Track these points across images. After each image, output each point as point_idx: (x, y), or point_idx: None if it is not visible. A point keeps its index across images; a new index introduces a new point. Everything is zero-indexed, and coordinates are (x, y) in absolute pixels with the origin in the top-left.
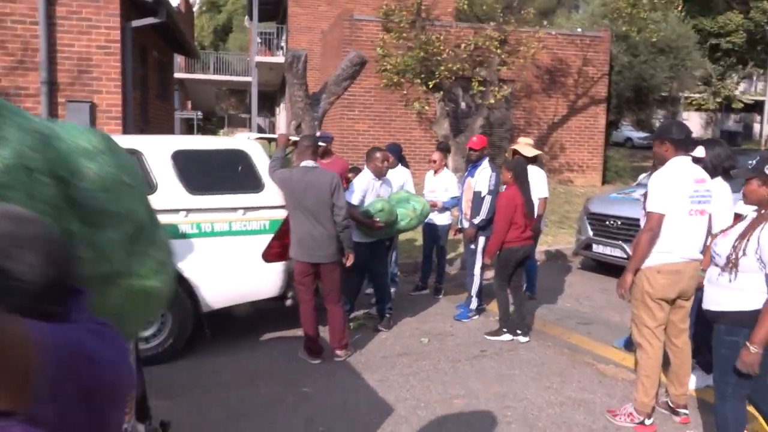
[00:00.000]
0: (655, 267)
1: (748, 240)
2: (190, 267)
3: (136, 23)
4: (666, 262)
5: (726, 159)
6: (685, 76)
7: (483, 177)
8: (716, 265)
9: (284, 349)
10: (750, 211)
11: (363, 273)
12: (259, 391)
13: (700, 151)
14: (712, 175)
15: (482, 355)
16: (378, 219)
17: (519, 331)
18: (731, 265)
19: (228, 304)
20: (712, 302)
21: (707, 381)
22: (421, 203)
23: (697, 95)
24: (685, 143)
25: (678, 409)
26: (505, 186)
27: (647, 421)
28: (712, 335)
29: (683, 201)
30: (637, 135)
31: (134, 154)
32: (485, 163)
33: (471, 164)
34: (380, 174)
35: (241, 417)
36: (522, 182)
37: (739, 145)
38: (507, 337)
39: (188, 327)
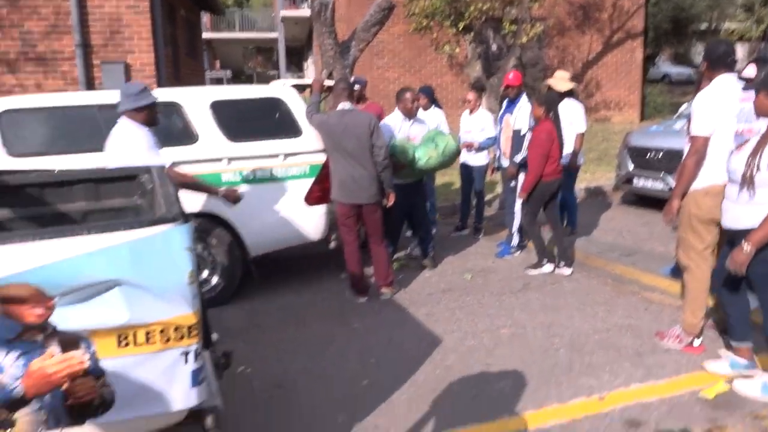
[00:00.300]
0: (703, 189)
1: (760, 155)
2: (236, 214)
3: None
4: (713, 183)
5: None
6: (726, 4)
7: (522, 114)
8: (733, 183)
9: (332, 290)
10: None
11: (403, 214)
12: (310, 330)
13: (750, 70)
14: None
15: (526, 288)
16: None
17: (562, 262)
18: (747, 181)
19: (273, 249)
20: (734, 220)
21: (753, 303)
22: (444, 141)
23: (737, 24)
24: (724, 60)
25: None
26: (536, 121)
27: (695, 342)
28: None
29: (728, 121)
30: (675, 70)
31: (173, 106)
32: (523, 100)
33: (508, 102)
34: (410, 114)
35: (297, 350)
36: (555, 116)
37: None
38: (548, 267)
39: (237, 271)
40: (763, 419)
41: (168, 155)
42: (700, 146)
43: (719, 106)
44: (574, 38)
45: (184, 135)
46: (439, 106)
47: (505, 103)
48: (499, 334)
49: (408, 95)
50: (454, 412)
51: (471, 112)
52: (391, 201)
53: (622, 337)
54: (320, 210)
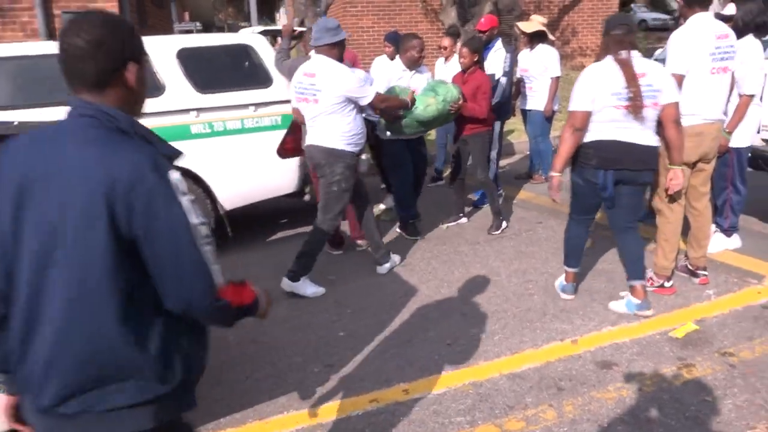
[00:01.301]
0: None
1: None
2: (206, 167)
3: None
4: (688, 124)
5: (758, 14)
6: None
7: (497, 59)
8: None
9: None
10: None
11: (408, 174)
12: None
13: (730, 8)
14: (743, 32)
15: (501, 236)
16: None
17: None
18: None
19: (246, 203)
20: None
21: (725, 244)
22: (445, 89)
23: None
24: None
25: (697, 271)
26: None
27: (667, 284)
28: None
29: (704, 59)
30: (651, 16)
31: None
32: (498, 44)
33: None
34: (415, 64)
35: (275, 303)
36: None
37: None
38: (504, 223)
39: (210, 227)
40: (729, 356)
41: None
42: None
43: (694, 45)
44: None
45: (150, 86)
46: None
47: None
48: (474, 281)
49: (415, 43)
50: (430, 359)
51: (446, 59)
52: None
53: (596, 282)
54: (293, 162)
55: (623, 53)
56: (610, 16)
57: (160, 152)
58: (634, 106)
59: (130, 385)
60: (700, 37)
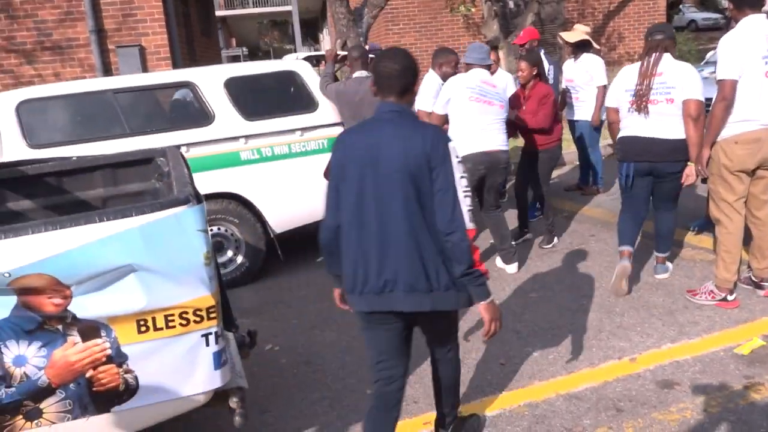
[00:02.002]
0: (732, 138)
1: None
2: (256, 192)
3: None
4: (744, 131)
5: None
6: None
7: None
8: None
9: None
10: None
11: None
12: (335, 304)
13: None
14: None
15: (552, 251)
16: None
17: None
18: None
19: (295, 225)
20: None
21: None
22: None
23: None
24: (748, 0)
25: (762, 283)
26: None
27: (729, 297)
28: None
29: (757, 62)
30: (701, 16)
31: (187, 86)
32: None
33: None
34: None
35: (323, 325)
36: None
37: None
38: (556, 239)
39: (261, 250)
40: None
41: (183, 137)
42: (727, 91)
43: (746, 48)
44: None
45: (200, 115)
46: None
47: None
48: (527, 298)
49: (451, 58)
50: (483, 380)
51: (491, 73)
52: None
53: (653, 296)
54: None
55: (652, 56)
56: (651, 25)
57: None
58: (639, 101)
59: (432, 276)
60: (751, 40)
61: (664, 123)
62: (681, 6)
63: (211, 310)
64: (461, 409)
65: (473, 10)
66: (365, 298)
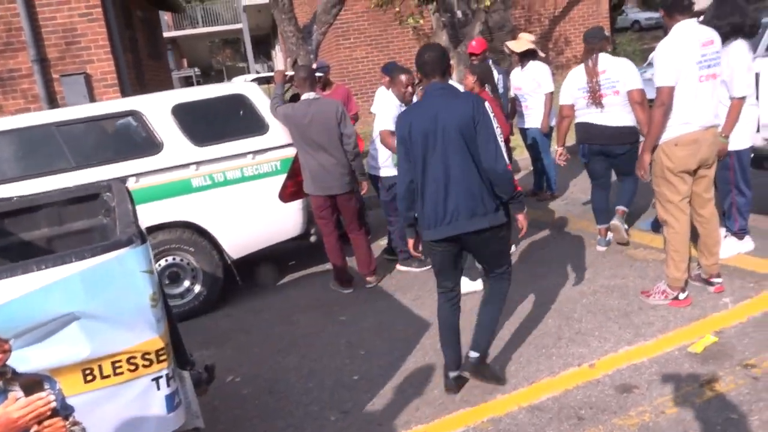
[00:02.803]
0: (672, 140)
1: None
2: (210, 219)
3: None
4: (682, 133)
5: (739, 16)
6: None
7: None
8: None
9: (317, 285)
10: None
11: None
12: (298, 328)
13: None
14: (729, 36)
15: (512, 259)
16: None
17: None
18: None
19: (253, 250)
20: None
21: (738, 248)
22: None
23: None
24: (679, 6)
25: (711, 279)
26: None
27: (681, 296)
28: None
29: (691, 68)
30: (644, 16)
31: (134, 114)
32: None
33: None
34: (404, 100)
35: (286, 350)
36: (491, 86)
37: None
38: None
39: (219, 278)
40: (752, 367)
41: (131, 167)
42: (665, 97)
43: (680, 55)
44: None
45: (148, 144)
46: None
47: None
48: None
49: (403, 78)
50: (447, 398)
51: None
52: (364, 189)
53: (609, 299)
54: (296, 205)
55: (593, 57)
56: (586, 31)
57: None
58: (593, 96)
59: (486, 203)
60: (685, 46)
61: (612, 112)
62: (624, 7)
63: (160, 353)
64: (426, 428)
65: (422, 21)
66: (438, 230)
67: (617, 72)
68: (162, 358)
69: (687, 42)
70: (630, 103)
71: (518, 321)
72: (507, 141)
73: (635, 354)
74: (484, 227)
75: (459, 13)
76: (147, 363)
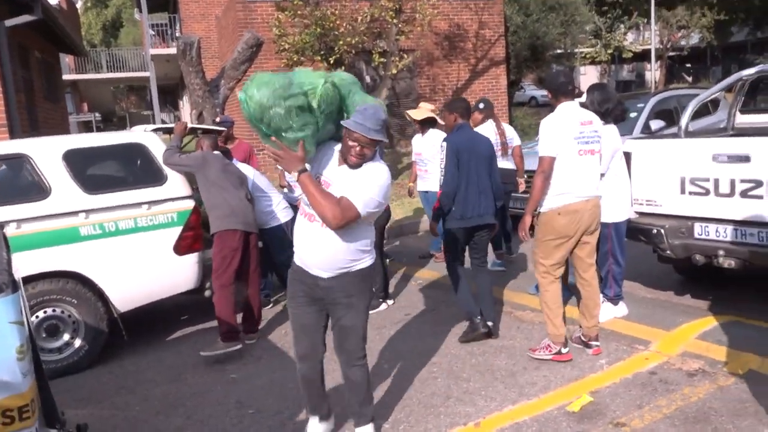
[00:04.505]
0: (556, 209)
1: None
2: (97, 269)
3: (9, 22)
4: (565, 203)
5: (602, 102)
6: (576, 31)
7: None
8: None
9: (208, 340)
10: None
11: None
12: (185, 385)
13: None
14: (603, 118)
15: (406, 318)
16: None
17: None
18: None
19: (142, 303)
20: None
21: (613, 312)
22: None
23: (589, 49)
24: (563, 89)
25: (590, 342)
26: None
27: (563, 350)
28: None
29: (570, 143)
30: (540, 93)
31: (21, 158)
32: None
33: None
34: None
35: (170, 410)
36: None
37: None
38: (384, 305)
39: (103, 331)
40: (622, 426)
41: (14, 212)
42: (545, 166)
43: (561, 131)
44: (443, 67)
45: (35, 189)
46: None
47: None
48: (380, 368)
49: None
50: None
51: None
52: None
53: (497, 359)
54: (192, 258)
55: (492, 121)
56: (478, 99)
57: None
58: (503, 149)
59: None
60: (565, 123)
61: (506, 159)
62: (521, 84)
63: (24, 410)
64: None
65: None
66: (467, 220)
67: (510, 132)
68: (25, 415)
69: (568, 120)
70: (513, 156)
71: (409, 380)
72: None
73: (518, 413)
74: (493, 222)
75: (368, 78)
76: (8, 420)
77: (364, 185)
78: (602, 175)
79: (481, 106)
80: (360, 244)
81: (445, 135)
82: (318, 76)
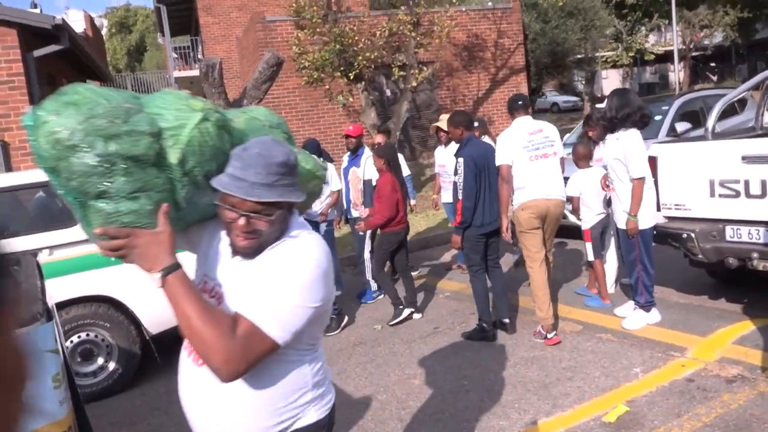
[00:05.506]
0: (520, 206)
1: None
2: (129, 293)
3: (38, 53)
4: (526, 200)
5: (620, 108)
6: (596, 36)
7: (370, 163)
8: None
9: None
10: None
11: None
12: None
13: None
14: (618, 126)
15: (435, 332)
16: None
17: (412, 309)
18: None
19: (173, 325)
20: None
21: (646, 319)
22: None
23: (610, 53)
24: (516, 107)
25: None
26: (379, 173)
27: (549, 335)
28: None
29: (521, 151)
30: (562, 99)
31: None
32: (367, 150)
33: (351, 154)
34: None
35: None
36: (395, 167)
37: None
38: (407, 311)
39: (136, 354)
40: None
41: (46, 239)
42: (504, 173)
43: (513, 141)
44: (463, 78)
45: (65, 216)
46: (329, 159)
47: (347, 156)
48: (410, 383)
49: None
50: None
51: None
52: None
53: (529, 371)
54: None
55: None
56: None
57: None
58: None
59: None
60: (517, 135)
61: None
62: (543, 90)
63: None
64: None
65: (351, 99)
66: (486, 226)
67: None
68: None
69: (518, 132)
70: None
71: (441, 395)
72: (396, 221)
73: (553, 425)
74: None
75: (388, 92)
76: None
77: (274, 287)
78: (631, 180)
79: (476, 125)
80: (290, 392)
81: None
82: (194, 106)
